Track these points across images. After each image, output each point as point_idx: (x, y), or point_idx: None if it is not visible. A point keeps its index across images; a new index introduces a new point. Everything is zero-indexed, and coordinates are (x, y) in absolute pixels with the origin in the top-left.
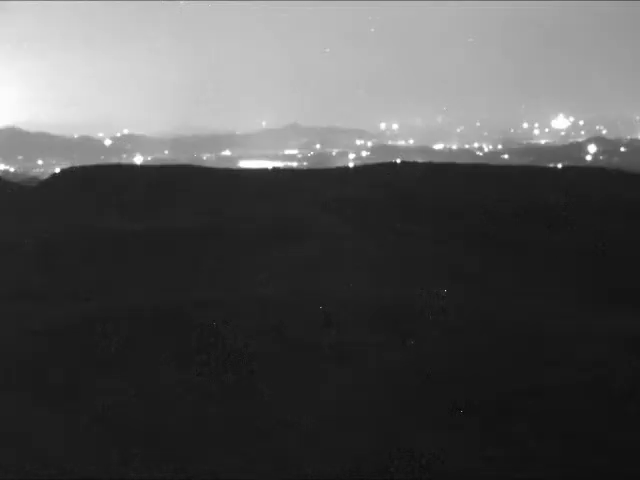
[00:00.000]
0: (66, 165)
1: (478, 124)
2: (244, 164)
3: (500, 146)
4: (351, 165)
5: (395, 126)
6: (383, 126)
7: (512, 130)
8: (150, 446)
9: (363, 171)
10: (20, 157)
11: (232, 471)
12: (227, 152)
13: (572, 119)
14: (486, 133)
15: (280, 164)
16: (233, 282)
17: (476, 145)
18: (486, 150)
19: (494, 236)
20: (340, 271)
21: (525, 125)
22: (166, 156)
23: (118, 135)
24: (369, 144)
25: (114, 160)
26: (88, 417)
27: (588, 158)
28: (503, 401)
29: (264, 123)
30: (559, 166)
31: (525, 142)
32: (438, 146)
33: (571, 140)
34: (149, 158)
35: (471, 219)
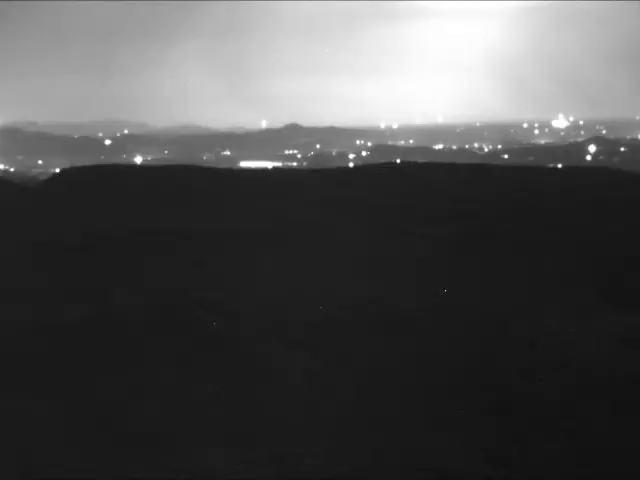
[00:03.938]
0: (66, 165)
1: (478, 124)
2: (244, 164)
3: (500, 146)
4: (351, 165)
5: (395, 126)
6: (383, 126)
7: (512, 130)
8: (150, 446)
9: (363, 171)
10: (20, 157)
11: (232, 471)
12: (227, 152)
13: (572, 119)
14: (486, 133)
15: (280, 164)
16: (233, 282)
17: (476, 145)
18: (486, 150)
19: (494, 236)
20: (340, 271)
21: (525, 125)
22: (166, 156)
23: (118, 135)
24: (369, 144)
25: (114, 160)
26: (88, 417)
27: (588, 158)
28: (503, 401)
29: (264, 123)
30: (559, 166)
31: (525, 142)
32: (438, 146)
33: (571, 140)
34: (149, 158)
35: (471, 219)
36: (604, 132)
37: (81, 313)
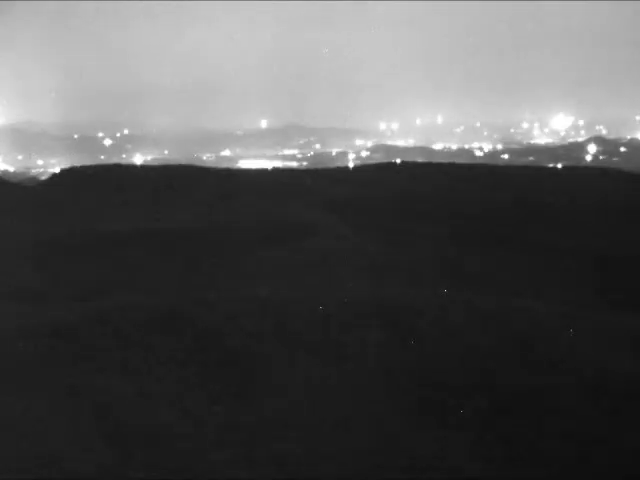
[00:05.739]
0: (66, 165)
1: (478, 124)
2: (244, 164)
3: (500, 146)
4: (351, 165)
5: (395, 126)
6: (383, 126)
7: (512, 130)
8: (150, 446)
9: (363, 171)
10: (20, 157)
11: (232, 471)
12: (227, 152)
13: (572, 119)
14: (486, 133)
15: (280, 164)
16: (233, 282)
17: (476, 145)
18: (486, 150)
19: (493, 236)
20: (340, 271)
21: (525, 125)
22: (166, 156)
23: (118, 135)
24: (369, 144)
25: (114, 160)
26: (88, 417)
27: (588, 158)
28: (503, 401)
29: (264, 123)
30: (559, 166)
31: (525, 142)
32: (438, 146)
33: (571, 140)
34: (149, 158)
35: (471, 219)
36: (604, 132)
37: (81, 313)
